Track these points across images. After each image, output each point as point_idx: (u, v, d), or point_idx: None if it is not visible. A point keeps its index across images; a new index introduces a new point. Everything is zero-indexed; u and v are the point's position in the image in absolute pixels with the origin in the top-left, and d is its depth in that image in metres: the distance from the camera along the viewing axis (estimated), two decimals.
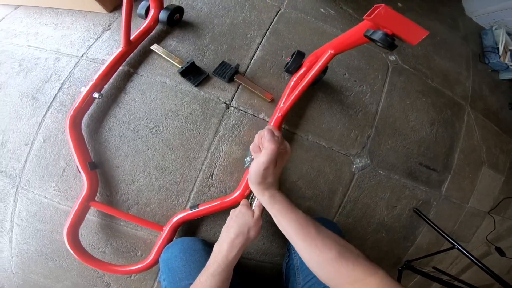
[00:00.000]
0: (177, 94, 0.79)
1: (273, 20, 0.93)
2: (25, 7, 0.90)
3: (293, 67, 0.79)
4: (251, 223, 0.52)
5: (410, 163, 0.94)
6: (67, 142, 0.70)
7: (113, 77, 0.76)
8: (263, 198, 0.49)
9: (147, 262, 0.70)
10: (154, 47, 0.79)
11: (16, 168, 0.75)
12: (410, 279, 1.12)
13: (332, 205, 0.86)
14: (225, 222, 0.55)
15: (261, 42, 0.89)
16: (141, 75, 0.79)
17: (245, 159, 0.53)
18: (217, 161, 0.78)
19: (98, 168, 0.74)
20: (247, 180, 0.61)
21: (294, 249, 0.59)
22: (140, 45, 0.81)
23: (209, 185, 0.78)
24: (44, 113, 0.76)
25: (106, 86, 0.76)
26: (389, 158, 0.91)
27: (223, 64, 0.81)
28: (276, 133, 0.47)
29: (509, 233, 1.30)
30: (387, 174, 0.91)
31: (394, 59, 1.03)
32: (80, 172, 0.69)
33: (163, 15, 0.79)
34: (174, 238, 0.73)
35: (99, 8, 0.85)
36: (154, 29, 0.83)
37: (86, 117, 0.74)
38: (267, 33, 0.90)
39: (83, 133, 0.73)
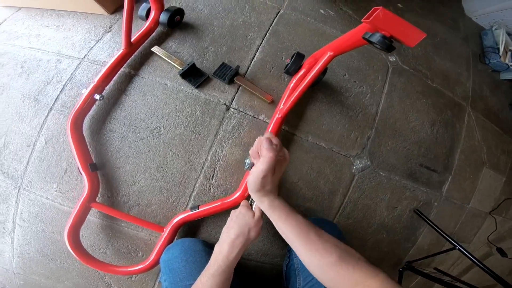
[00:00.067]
0: (178, 96, 0.79)
1: (273, 21, 0.93)
2: (27, 9, 0.91)
3: (292, 68, 0.79)
4: (251, 223, 0.52)
5: (411, 164, 0.94)
6: (68, 144, 0.70)
7: (114, 78, 0.77)
8: (263, 205, 0.49)
9: (148, 263, 0.70)
10: (155, 49, 0.80)
11: (18, 169, 0.76)
12: (411, 280, 1.12)
13: (332, 206, 0.86)
14: (225, 223, 0.56)
15: (261, 44, 0.89)
16: (142, 77, 0.80)
17: (245, 161, 0.53)
18: (217, 162, 0.78)
19: (99, 170, 0.74)
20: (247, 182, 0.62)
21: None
22: (141, 47, 0.81)
23: (209, 186, 0.78)
24: (46, 114, 0.77)
25: (107, 88, 0.76)
26: (389, 159, 0.91)
27: (223, 66, 0.81)
28: (275, 141, 0.47)
29: (510, 233, 1.29)
30: (387, 175, 0.91)
31: (394, 60, 1.03)
32: (81, 173, 0.69)
33: (163, 17, 0.80)
34: (175, 239, 0.74)
35: (100, 10, 0.85)
36: (155, 31, 0.84)
37: (87, 118, 0.75)
38: (267, 34, 0.91)
39: (85, 134, 0.74)
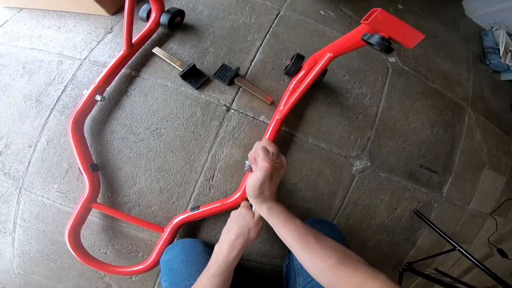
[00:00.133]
0: (178, 97, 0.79)
1: (273, 22, 0.94)
2: (29, 10, 0.92)
3: (292, 69, 0.79)
4: (251, 224, 0.52)
5: (411, 165, 0.94)
6: (69, 144, 0.70)
7: (115, 79, 0.77)
8: (261, 211, 0.50)
9: (148, 263, 0.70)
10: (156, 50, 0.80)
11: (20, 170, 0.76)
12: (411, 281, 1.12)
13: (332, 207, 0.86)
14: (225, 224, 0.56)
15: (261, 45, 0.89)
16: (143, 78, 0.80)
17: (245, 162, 0.53)
18: (217, 163, 0.79)
19: (100, 170, 0.75)
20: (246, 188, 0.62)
21: None
22: (142, 48, 0.82)
23: (209, 187, 0.78)
24: (47, 115, 0.77)
25: (108, 89, 0.77)
26: (389, 160, 0.91)
27: (223, 67, 0.82)
28: (272, 148, 0.48)
29: (511, 235, 1.29)
30: (387, 176, 0.91)
31: (394, 60, 1.03)
32: (82, 174, 0.69)
33: (164, 18, 0.80)
34: (175, 240, 0.74)
35: (101, 11, 0.86)
36: (156, 32, 0.84)
37: (88, 119, 0.75)
38: (267, 35, 0.91)
39: (86, 135, 0.74)
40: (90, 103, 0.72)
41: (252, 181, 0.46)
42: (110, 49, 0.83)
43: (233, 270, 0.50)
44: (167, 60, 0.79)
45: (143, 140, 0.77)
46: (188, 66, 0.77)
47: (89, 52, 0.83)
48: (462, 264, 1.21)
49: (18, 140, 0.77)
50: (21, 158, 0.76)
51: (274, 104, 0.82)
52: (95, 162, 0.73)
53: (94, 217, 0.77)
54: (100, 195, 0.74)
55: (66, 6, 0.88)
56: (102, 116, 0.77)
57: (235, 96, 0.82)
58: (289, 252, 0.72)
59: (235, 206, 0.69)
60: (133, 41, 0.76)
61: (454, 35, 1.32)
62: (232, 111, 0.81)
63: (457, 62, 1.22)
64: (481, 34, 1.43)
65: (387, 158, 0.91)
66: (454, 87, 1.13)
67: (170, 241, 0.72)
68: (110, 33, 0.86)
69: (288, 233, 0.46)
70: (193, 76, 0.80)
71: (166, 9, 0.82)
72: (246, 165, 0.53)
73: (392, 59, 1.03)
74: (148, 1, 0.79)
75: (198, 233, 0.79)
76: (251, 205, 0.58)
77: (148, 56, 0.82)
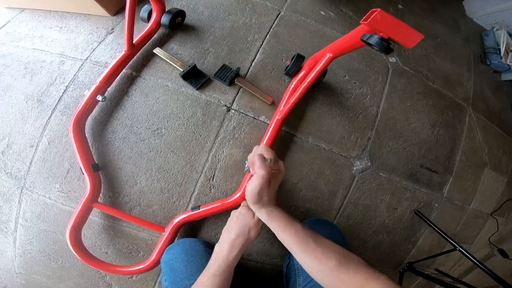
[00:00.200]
0: (179, 97, 0.80)
1: (273, 23, 0.94)
2: (30, 11, 0.92)
3: (293, 70, 0.79)
4: (251, 224, 0.52)
5: (411, 165, 0.94)
6: (71, 144, 0.71)
7: (116, 80, 0.78)
8: (261, 216, 0.50)
9: (148, 262, 0.71)
10: (157, 50, 0.81)
11: (21, 169, 0.77)
12: (412, 281, 1.12)
13: (332, 207, 0.86)
14: (226, 224, 0.56)
15: (261, 45, 0.90)
16: (144, 78, 0.81)
17: (245, 162, 0.53)
18: (218, 163, 0.79)
19: (101, 170, 0.75)
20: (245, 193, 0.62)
21: None
22: (143, 48, 0.82)
23: (210, 187, 0.79)
24: (49, 115, 0.78)
25: (109, 89, 0.77)
26: (389, 160, 0.91)
27: (224, 67, 0.82)
28: (269, 155, 0.49)
29: None
30: (387, 176, 0.91)
31: (395, 61, 1.03)
32: (83, 174, 0.70)
33: (165, 19, 0.80)
34: (176, 239, 0.74)
35: (102, 11, 0.86)
36: (156, 33, 0.84)
37: (89, 119, 0.76)
38: (268, 36, 0.91)
39: (87, 135, 0.74)
40: (91, 103, 0.72)
41: (250, 188, 0.47)
42: (111, 49, 0.84)
43: (233, 269, 0.50)
44: (168, 61, 0.80)
45: (144, 140, 0.77)
46: (189, 66, 0.77)
47: (91, 53, 0.83)
48: (463, 265, 1.21)
49: (20, 140, 0.77)
50: (22, 158, 0.77)
51: (274, 104, 0.83)
52: (96, 162, 0.73)
53: (95, 216, 0.77)
54: (101, 195, 0.75)
55: (68, 7, 0.88)
56: (103, 116, 0.78)
57: (235, 96, 0.82)
58: (289, 252, 0.72)
59: (236, 206, 0.69)
60: (134, 41, 0.77)
61: (454, 35, 1.32)
62: (233, 111, 0.81)
63: (457, 62, 1.22)
64: (482, 34, 1.43)
65: (387, 158, 0.91)
66: (455, 87, 1.13)
67: (171, 240, 0.72)
68: (111, 33, 0.87)
69: (288, 237, 0.46)
70: (194, 76, 0.80)
71: (167, 9, 0.82)
72: (246, 166, 0.53)
73: (392, 59, 1.03)
74: (149, 2, 0.79)
75: (198, 232, 0.79)
76: None
77: (149, 57, 0.83)
